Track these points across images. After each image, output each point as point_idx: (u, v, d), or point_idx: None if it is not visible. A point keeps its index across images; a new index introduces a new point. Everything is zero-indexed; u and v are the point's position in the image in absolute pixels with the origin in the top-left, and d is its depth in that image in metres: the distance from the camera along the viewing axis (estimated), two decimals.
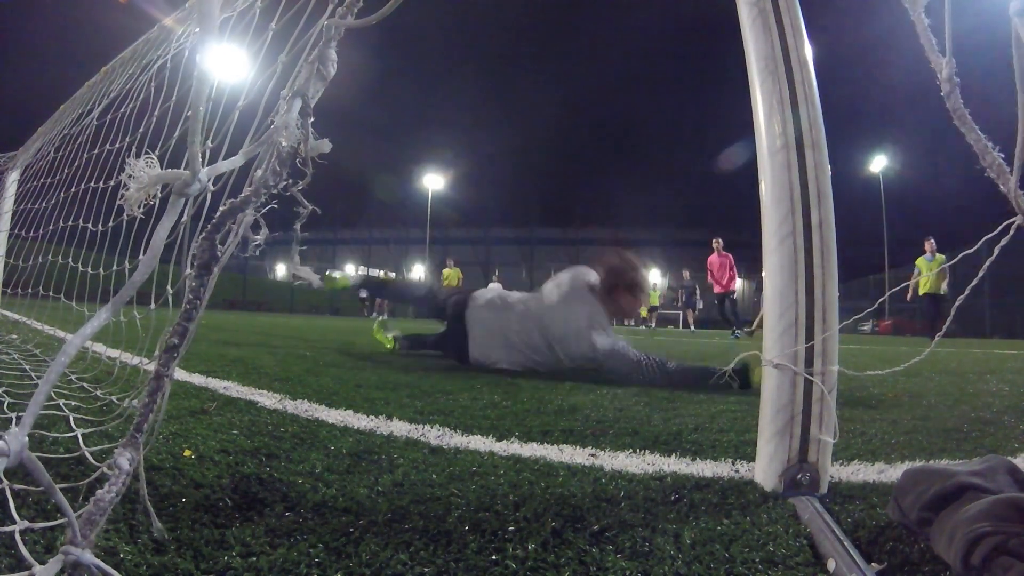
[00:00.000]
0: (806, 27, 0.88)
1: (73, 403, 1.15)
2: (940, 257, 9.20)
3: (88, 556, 0.37)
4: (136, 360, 1.26)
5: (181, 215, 0.45)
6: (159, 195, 0.45)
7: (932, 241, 9.19)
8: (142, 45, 1.91)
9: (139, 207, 0.44)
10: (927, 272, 8.78)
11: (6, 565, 0.50)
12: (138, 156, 0.44)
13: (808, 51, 0.88)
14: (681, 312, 15.79)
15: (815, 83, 0.87)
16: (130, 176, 0.42)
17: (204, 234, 0.44)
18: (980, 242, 0.59)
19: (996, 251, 0.61)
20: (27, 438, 0.34)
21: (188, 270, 0.45)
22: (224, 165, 0.48)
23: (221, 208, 0.45)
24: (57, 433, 0.93)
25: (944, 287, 9.20)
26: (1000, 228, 0.53)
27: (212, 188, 0.56)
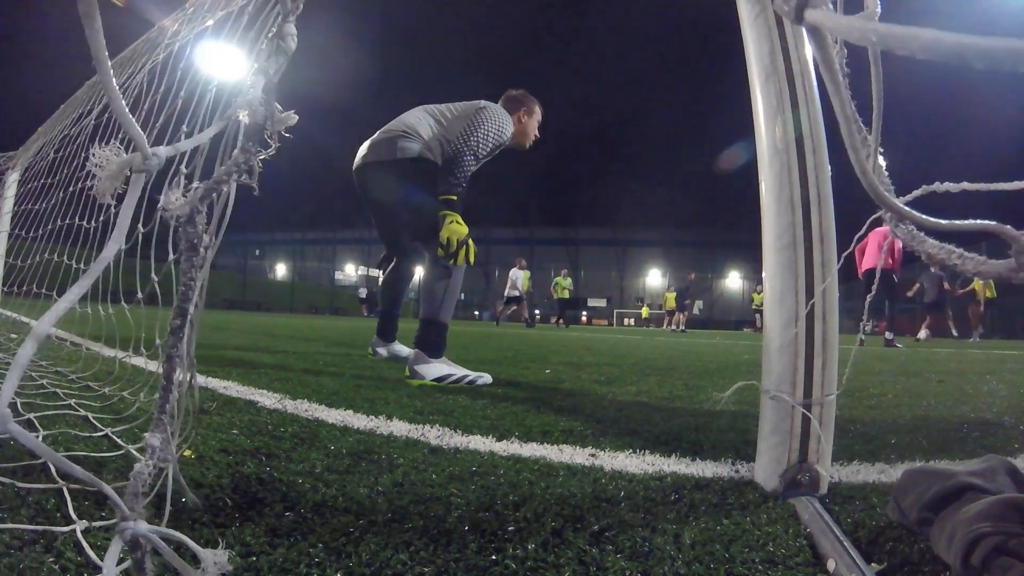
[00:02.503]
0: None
1: (96, 404, 1.15)
2: None
3: (144, 525, 0.38)
4: (135, 358, 1.26)
5: (146, 192, 0.45)
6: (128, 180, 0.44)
7: None
8: (142, 45, 1.91)
9: (112, 196, 0.43)
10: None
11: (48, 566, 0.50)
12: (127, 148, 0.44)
13: (808, 51, 0.88)
14: (679, 313, 15.78)
15: (815, 83, 0.87)
16: (98, 166, 0.41)
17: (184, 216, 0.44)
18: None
19: (854, 244, 0.68)
20: (8, 410, 0.33)
21: (175, 254, 0.46)
22: (186, 144, 0.48)
23: (195, 187, 0.45)
24: (82, 432, 0.93)
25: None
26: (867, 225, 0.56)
27: (185, 171, 0.56)
